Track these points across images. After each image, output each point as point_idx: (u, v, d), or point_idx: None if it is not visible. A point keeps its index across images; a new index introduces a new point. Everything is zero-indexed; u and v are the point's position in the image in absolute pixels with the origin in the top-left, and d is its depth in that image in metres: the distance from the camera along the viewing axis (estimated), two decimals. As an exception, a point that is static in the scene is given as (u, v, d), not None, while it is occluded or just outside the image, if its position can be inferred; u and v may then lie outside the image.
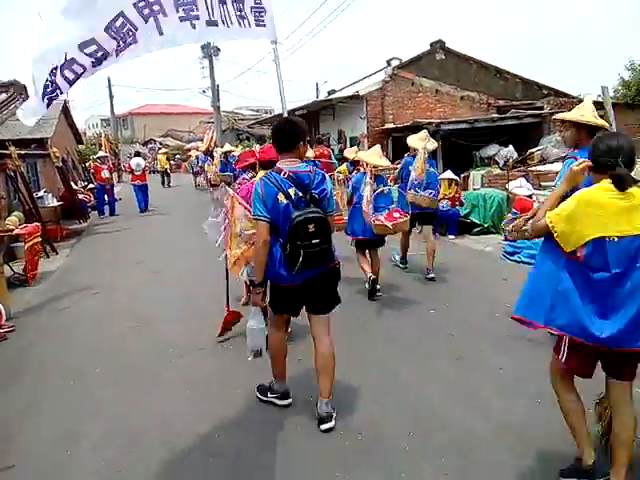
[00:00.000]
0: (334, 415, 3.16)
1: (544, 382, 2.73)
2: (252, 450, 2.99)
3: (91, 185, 16.59)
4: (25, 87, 15.20)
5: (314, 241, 2.95)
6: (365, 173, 5.57)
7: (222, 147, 16.11)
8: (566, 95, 16.11)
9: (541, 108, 14.47)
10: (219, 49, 28.11)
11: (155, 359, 4.40)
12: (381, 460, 2.84)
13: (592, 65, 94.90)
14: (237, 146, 19.69)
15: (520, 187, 9.10)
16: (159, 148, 37.62)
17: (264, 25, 4.13)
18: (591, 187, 2.31)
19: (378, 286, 5.68)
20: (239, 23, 4.00)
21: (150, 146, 42.66)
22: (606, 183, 2.25)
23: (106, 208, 14.96)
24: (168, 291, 6.57)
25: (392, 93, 15.96)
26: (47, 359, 4.56)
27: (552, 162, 11.76)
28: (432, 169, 6.31)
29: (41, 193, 11.92)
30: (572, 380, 2.52)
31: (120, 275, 7.54)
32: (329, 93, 22.46)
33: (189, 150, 25.50)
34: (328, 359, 3.18)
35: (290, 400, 3.43)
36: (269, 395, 3.47)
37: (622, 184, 2.21)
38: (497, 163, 12.40)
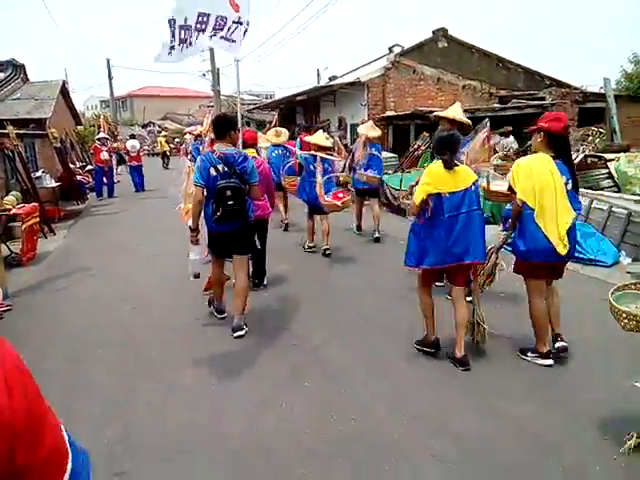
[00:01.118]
0: (244, 328, 4.46)
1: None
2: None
3: (89, 166, 16.52)
4: (24, 66, 15.09)
5: (229, 202, 4.18)
6: (315, 156, 7.01)
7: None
8: (569, 86, 16.02)
9: (543, 99, 14.39)
10: None
11: (153, 339, 4.42)
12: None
13: (595, 57, 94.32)
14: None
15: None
16: (158, 131, 37.49)
17: (233, 41, 5.26)
18: (433, 163, 3.86)
19: (328, 249, 7.12)
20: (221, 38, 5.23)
21: (149, 129, 42.41)
22: (440, 163, 3.72)
23: (104, 190, 14.92)
24: (163, 273, 6.58)
25: (393, 80, 15.85)
26: (45, 340, 4.57)
27: (552, 153, 11.75)
28: (376, 153, 7.88)
29: (39, 173, 11.86)
30: (429, 286, 3.98)
31: (117, 257, 7.54)
32: (330, 79, 22.32)
33: (185, 133, 25.64)
34: (241, 288, 4.50)
35: (225, 315, 4.84)
36: (211, 308, 4.99)
37: (448, 165, 3.68)
38: (497, 153, 12.37)
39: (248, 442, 2.93)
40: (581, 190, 6.26)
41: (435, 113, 5.48)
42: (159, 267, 6.91)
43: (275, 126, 20.66)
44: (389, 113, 15.44)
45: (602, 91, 14.03)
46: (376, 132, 8.03)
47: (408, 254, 3.93)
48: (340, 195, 6.92)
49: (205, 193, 4.27)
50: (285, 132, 9.48)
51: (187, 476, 2.70)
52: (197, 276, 4.65)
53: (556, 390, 3.40)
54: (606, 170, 9.18)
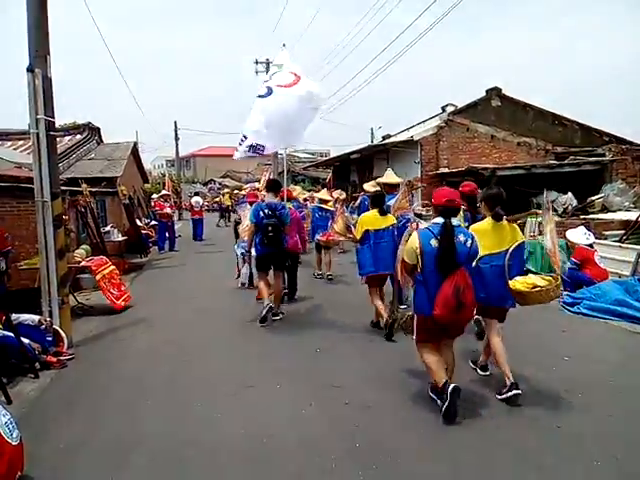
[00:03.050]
0: (280, 315, 6.90)
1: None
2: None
3: (153, 222, 17.43)
4: (99, 129, 16.41)
5: (270, 234, 6.48)
6: (319, 207, 10.54)
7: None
8: (629, 142, 15.61)
9: (602, 155, 14.08)
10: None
11: (204, 395, 4.48)
12: None
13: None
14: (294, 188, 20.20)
15: (580, 236, 8.80)
16: (219, 188, 39.23)
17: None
18: (369, 212, 6.21)
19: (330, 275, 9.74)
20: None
21: (210, 186, 44.44)
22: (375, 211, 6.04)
23: (166, 244, 15.63)
24: (217, 327, 6.74)
25: (447, 138, 16.03)
26: (102, 389, 4.73)
27: (615, 211, 11.35)
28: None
29: (108, 228, 12.64)
30: (375, 288, 6.08)
31: (175, 310, 7.79)
32: (384, 138, 22.82)
33: (241, 189, 27.16)
34: (277, 290, 6.92)
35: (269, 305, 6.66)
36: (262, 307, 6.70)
37: (381, 212, 6.01)
38: (555, 210, 12.07)
39: None
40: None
41: (378, 180, 8.52)
42: (212, 321, 7.08)
43: (330, 183, 21.18)
44: (442, 170, 15.52)
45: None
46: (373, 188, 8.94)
47: (359, 266, 6.19)
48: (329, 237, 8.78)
49: (255, 228, 6.60)
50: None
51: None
52: (244, 285, 8.33)
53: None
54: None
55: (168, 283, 10.37)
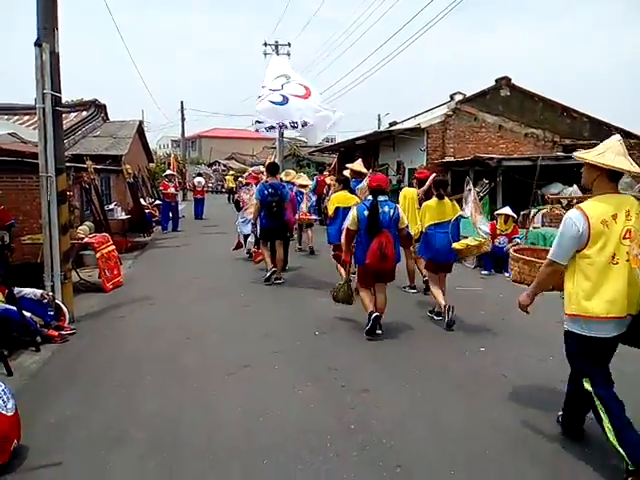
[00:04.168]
0: (282, 279, 8.04)
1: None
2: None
3: (157, 201, 17.45)
4: (105, 106, 16.34)
5: (274, 209, 7.72)
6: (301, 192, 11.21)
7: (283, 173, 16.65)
8: (637, 136, 15.47)
9: (610, 149, 13.96)
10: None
11: (203, 374, 4.53)
12: None
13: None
14: (297, 172, 20.15)
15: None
16: (223, 170, 39.13)
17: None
18: (340, 193, 7.51)
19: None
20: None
21: (214, 167, 44.32)
22: (345, 192, 7.44)
23: (170, 224, 15.66)
24: (218, 306, 6.78)
25: (454, 127, 15.89)
26: (102, 365, 4.78)
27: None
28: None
29: (112, 206, 12.66)
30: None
31: (176, 289, 7.85)
32: (390, 125, 22.64)
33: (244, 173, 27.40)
34: (280, 258, 8.17)
35: (278, 281, 7.98)
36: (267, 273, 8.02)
37: (350, 192, 7.42)
38: (560, 202, 12.02)
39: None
40: None
41: (348, 165, 9.50)
42: (213, 301, 7.13)
43: (334, 168, 21.10)
44: (448, 159, 15.44)
45: (675, 142, 13.44)
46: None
47: (328, 237, 7.65)
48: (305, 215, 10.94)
49: (260, 205, 7.82)
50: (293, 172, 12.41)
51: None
52: (249, 252, 9.68)
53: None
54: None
55: (170, 262, 10.42)
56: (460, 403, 3.91)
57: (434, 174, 7.50)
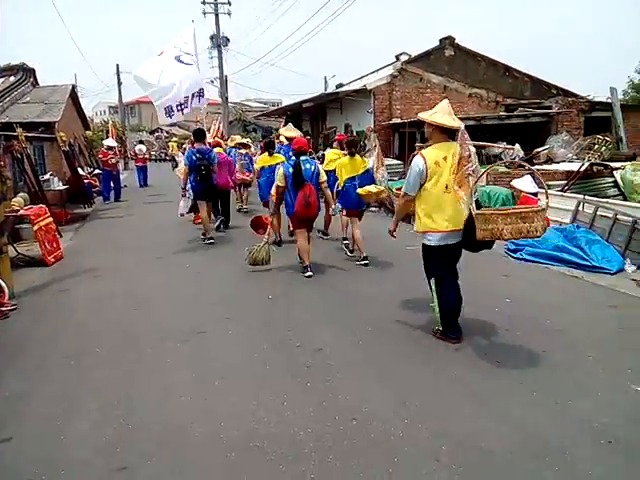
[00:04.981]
0: (220, 229, 9.54)
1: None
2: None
3: (97, 171, 16.68)
4: (34, 70, 15.28)
5: (203, 173, 8.16)
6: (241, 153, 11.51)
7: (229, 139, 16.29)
8: (575, 95, 16.02)
9: (549, 107, 14.41)
10: (228, 40, 27.89)
11: (154, 342, 4.44)
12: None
13: (602, 67, 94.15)
14: (244, 137, 19.75)
15: (528, 184, 9.11)
16: (166, 137, 37.78)
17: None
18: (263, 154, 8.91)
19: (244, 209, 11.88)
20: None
21: (157, 134, 42.71)
22: (266, 153, 8.81)
23: (111, 194, 15.06)
24: (167, 275, 6.63)
25: (400, 88, 15.92)
26: (48, 339, 4.61)
27: (558, 162, 11.73)
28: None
29: (47, 176, 11.97)
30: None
31: (122, 259, 7.59)
32: (337, 87, 22.41)
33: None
34: (205, 217, 8.59)
35: (212, 241, 8.51)
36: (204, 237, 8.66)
37: (270, 154, 8.67)
38: (502, 159, 12.37)
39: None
40: (587, 197, 7.87)
41: (280, 131, 12.24)
42: (161, 270, 6.96)
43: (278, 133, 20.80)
44: (395, 120, 15.49)
45: (609, 100, 14.03)
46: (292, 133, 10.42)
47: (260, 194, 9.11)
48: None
49: (189, 170, 8.25)
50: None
51: (188, 470, 2.70)
52: (182, 215, 8.92)
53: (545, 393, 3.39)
54: (612, 179, 9.16)
55: (114, 233, 10.05)
56: (413, 356, 4.03)
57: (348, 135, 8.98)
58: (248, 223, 8.15)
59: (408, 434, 2.95)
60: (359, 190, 6.60)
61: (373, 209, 10.23)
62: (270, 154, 8.61)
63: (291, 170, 6.18)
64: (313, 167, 6.33)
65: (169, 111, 9.51)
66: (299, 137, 7.79)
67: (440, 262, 4.14)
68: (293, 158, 6.37)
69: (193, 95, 9.72)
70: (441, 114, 4.02)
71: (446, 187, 3.95)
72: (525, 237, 3.71)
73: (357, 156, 6.91)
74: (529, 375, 3.62)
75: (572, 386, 3.47)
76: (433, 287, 4.21)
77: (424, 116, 4.13)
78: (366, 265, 6.68)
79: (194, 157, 8.20)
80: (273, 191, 6.75)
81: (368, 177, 6.82)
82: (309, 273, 6.27)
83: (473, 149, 3.98)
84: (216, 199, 9.28)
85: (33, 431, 3.11)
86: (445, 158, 3.97)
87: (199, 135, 8.70)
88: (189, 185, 8.46)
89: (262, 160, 8.68)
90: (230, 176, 10.15)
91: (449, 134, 4.05)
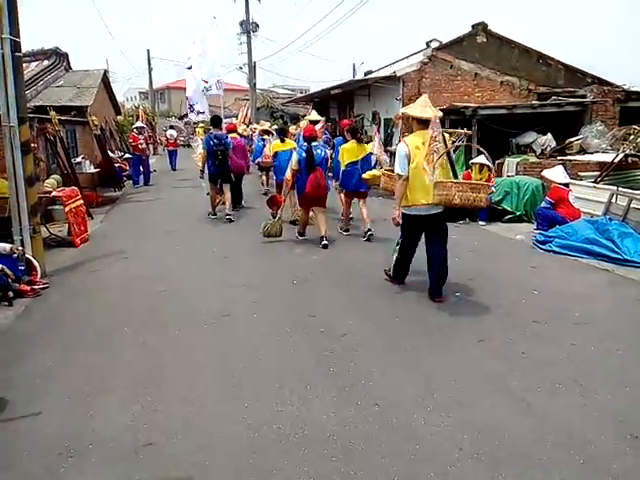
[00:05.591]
0: (231, 215, 9.26)
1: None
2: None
3: (127, 155, 16.93)
4: (67, 55, 15.53)
5: (219, 157, 8.88)
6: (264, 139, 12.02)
7: (257, 124, 16.47)
8: (610, 84, 15.50)
9: (584, 96, 13.98)
10: (258, 25, 27.76)
11: (182, 323, 4.52)
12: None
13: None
14: (271, 124, 19.74)
15: (559, 174, 8.88)
16: (195, 123, 38.05)
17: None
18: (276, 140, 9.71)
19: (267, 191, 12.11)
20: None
21: (185, 120, 43.02)
22: (278, 140, 9.54)
23: (141, 178, 15.28)
24: (194, 259, 6.73)
25: (430, 75, 15.64)
26: (78, 317, 4.74)
27: (592, 153, 11.41)
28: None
29: (79, 159, 12.22)
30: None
31: (151, 242, 7.73)
32: (366, 74, 22.18)
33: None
34: (227, 197, 9.30)
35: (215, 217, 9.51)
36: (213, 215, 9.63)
37: (282, 140, 9.28)
38: (534, 151, 12.09)
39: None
40: (620, 189, 7.68)
41: (307, 117, 11.34)
42: (188, 253, 7.06)
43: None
44: (424, 108, 15.24)
45: (646, 90, 13.53)
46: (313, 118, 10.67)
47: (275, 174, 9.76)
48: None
49: (207, 154, 8.99)
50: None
51: (209, 451, 2.76)
52: (208, 194, 9.81)
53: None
54: (647, 170, 8.88)
55: (142, 216, 10.23)
56: (438, 345, 4.01)
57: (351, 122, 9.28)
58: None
59: (430, 422, 2.95)
60: (365, 175, 7.23)
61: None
62: (282, 140, 9.19)
63: (304, 155, 6.93)
64: (323, 153, 7.13)
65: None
66: (308, 125, 8.58)
67: (409, 227, 5.01)
68: (305, 144, 7.07)
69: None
70: (419, 107, 4.84)
71: (423, 168, 4.65)
72: (471, 206, 4.41)
73: (361, 143, 7.63)
74: (555, 367, 3.57)
75: (598, 380, 3.41)
76: (399, 242, 5.21)
77: (406, 110, 5.02)
78: (369, 239, 7.33)
79: (212, 142, 8.85)
80: (288, 173, 7.30)
81: (368, 161, 7.51)
82: (325, 242, 7.00)
83: (444, 134, 4.87)
84: (231, 181, 9.65)
85: (62, 406, 3.21)
86: (423, 143, 4.68)
87: (216, 122, 9.32)
88: (206, 169, 9.23)
89: (275, 146, 9.31)
90: (244, 160, 10.76)
91: (426, 124, 4.72)
